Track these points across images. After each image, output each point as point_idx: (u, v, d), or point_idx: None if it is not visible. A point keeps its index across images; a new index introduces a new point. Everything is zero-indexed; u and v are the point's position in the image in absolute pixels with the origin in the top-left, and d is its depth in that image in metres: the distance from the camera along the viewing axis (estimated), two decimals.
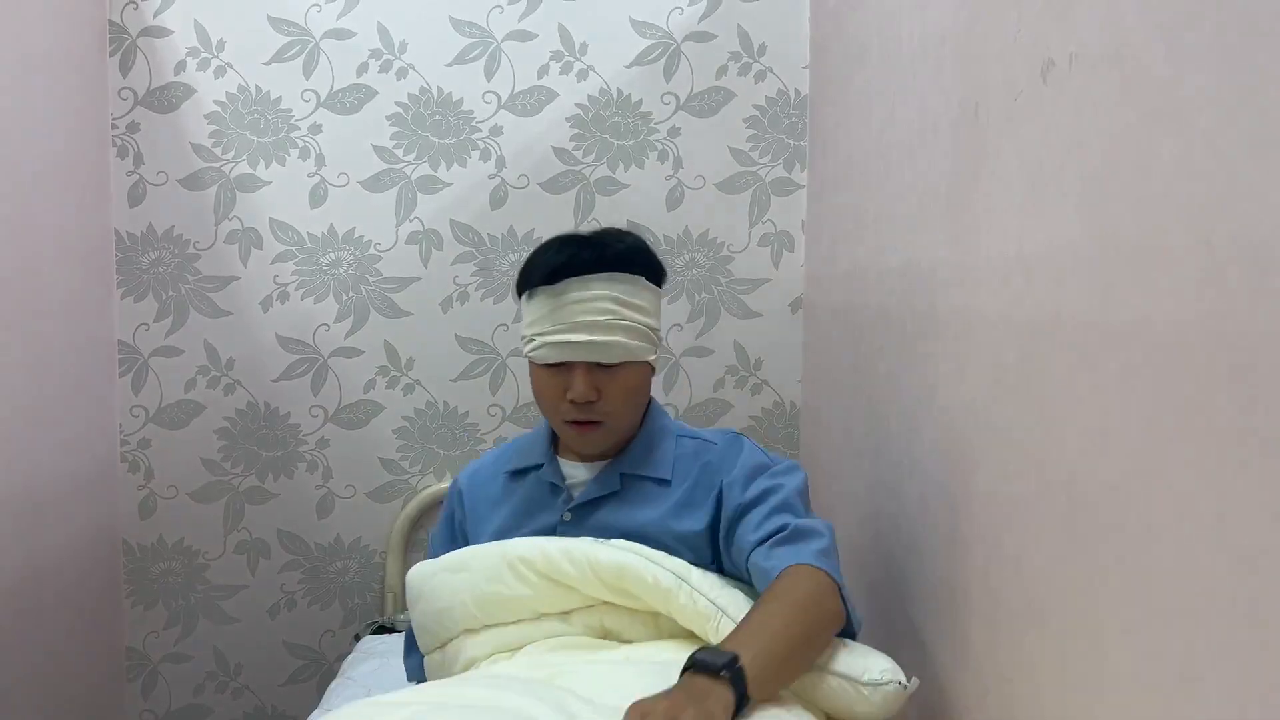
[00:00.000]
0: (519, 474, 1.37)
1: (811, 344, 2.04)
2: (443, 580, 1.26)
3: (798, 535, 1.19)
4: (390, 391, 2.12)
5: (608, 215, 2.08)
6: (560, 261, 1.26)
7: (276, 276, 2.09)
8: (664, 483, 1.31)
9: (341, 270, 2.09)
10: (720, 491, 1.28)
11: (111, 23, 2.04)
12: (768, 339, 2.12)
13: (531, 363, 1.30)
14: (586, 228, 1.58)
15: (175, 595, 2.14)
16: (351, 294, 2.10)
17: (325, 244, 2.09)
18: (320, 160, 2.08)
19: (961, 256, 1.09)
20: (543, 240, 1.34)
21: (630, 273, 1.28)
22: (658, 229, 2.09)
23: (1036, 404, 0.89)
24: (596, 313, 1.25)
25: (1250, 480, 0.57)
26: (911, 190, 1.30)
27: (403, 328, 2.11)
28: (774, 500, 1.24)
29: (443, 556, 1.31)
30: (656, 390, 2.11)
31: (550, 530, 1.31)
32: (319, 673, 2.17)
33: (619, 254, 1.28)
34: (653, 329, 1.30)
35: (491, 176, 2.09)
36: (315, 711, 1.56)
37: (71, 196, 1.92)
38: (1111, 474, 0.74)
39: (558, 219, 2.06)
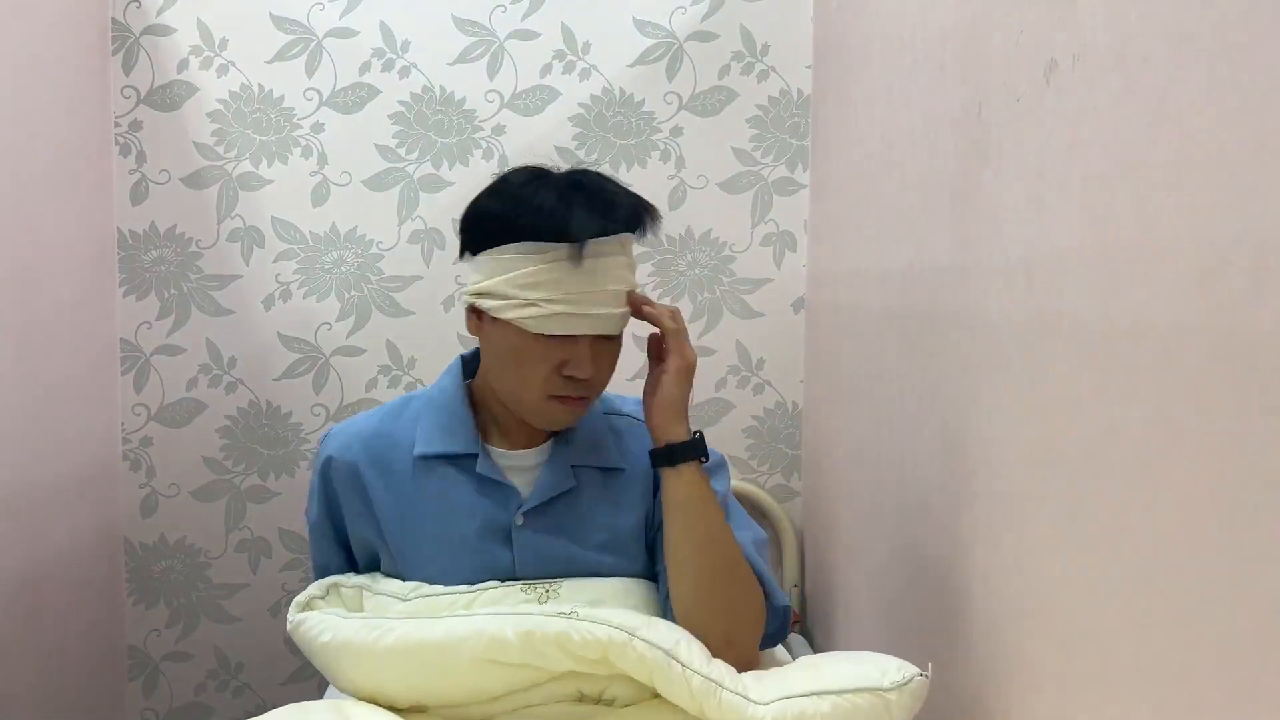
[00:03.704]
0: (435, 459, 1.18)
1: (814, 344, 2.04)
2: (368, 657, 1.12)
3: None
4: (392, 391, 2.12)
5: None
6: (585, 219, 1.07)
7: (278, 275, 2.09)
8: (618, 470, 1.20)
9: (343, 269, 2.09)
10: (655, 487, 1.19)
11: (114, 21, 2.04)
12: (770, 339, 2.12)
13: (511, 327, 1.08)
14: (558, 161, 1.30)
15: (176, 594, 2.14)
16: (353, 293, 2.10)
17: (327, 243, 2.09)
18: (323, 159, 2.07)
19: (964, 257, 1.09)
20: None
21: (638, 231, 1.13)
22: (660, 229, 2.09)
23: (1038, 405, 0.88)
24: (616, 281, 1.09)
25: (1251, 481, 0.57)
26: (914, 190, 1.30)
27: (405, 327, 2.11)
28: None
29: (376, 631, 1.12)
30: None
31: (504, 536, 1.16)
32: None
33: (640, 209, 1.12)
34: None
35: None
36: None
37: (74, 195, 1.92)
38: (1113, 474, 0.74)
39: None
